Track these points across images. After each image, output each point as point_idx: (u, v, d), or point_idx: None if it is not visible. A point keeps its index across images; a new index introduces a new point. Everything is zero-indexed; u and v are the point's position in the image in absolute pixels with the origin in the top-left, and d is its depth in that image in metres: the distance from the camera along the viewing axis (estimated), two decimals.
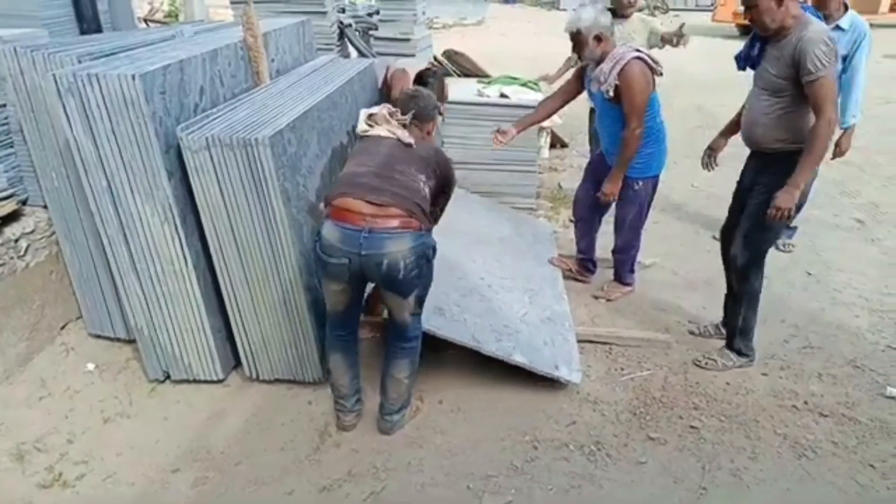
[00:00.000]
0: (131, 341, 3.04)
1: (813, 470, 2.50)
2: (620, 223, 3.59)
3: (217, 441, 2.61)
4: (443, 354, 3.01)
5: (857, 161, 6.12)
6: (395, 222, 2.23)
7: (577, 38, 3.19)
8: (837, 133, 3.79)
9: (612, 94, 3.15)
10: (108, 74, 2.31)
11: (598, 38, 3.15)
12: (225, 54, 2.94)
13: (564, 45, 3.62)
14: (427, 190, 2.42)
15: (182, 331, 2.76)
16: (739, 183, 3.01)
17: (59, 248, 3.06)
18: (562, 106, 3.62)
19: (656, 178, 3.48)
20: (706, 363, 3.09)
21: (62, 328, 3.24)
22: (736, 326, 3.06)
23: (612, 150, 3.40)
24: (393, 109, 2.57)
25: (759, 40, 2.71)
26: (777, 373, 3.06)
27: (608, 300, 3.69)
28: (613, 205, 3.52)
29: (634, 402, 2.85)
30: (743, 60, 2.81)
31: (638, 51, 3.16)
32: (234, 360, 2.93)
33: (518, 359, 2.81)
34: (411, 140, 2.47)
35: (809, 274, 4.01)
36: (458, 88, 4.69)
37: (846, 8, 3.80)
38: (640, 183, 3.42)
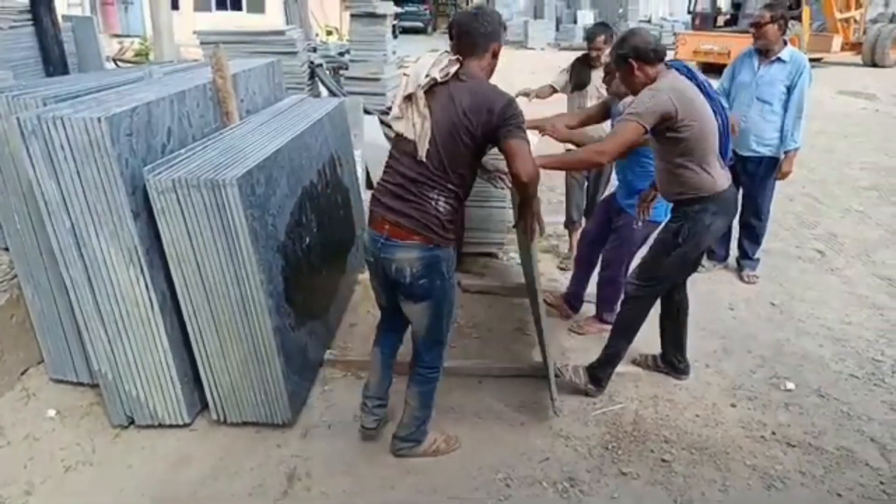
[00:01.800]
0: (95, 385, 2.97)
1: (782, 501, 2.53)
2: (606, 259, 3.63)
3: (183, 488, 2.54)
4: None
5: (815, 193, 6.34)
6: (405, 236, 2.33)
7: (609, 70, 3.42)
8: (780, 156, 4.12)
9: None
10: (73, 117, 2.30)
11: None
12: (193, 95, 2.95)
13: (535, 82, 3.73)
14: (443, 202, 2.31)
15: (147, 375, 2.71)
16: None
17: (21, 291, 2.99)
18: (581, 125, 3.61)
19: (656, 223, 3.44)
20: (562, 369, 3.08)
21: (22, 373, 3.15)
22: (606, 351, 3.09)
23: (624, 192, 3.50)
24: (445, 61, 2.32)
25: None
26: (745, 403, 3.10)
27: (579, 333, 3.72)
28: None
29: (607, 437, 2.85)
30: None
31: None
32: (200, 404, 2.87)
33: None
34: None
35: (773, 304, 4.10)
36: None
37: (785, 43, 4.05)
38: (640, 223, 3.43)
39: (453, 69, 2.27)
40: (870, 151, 8.20)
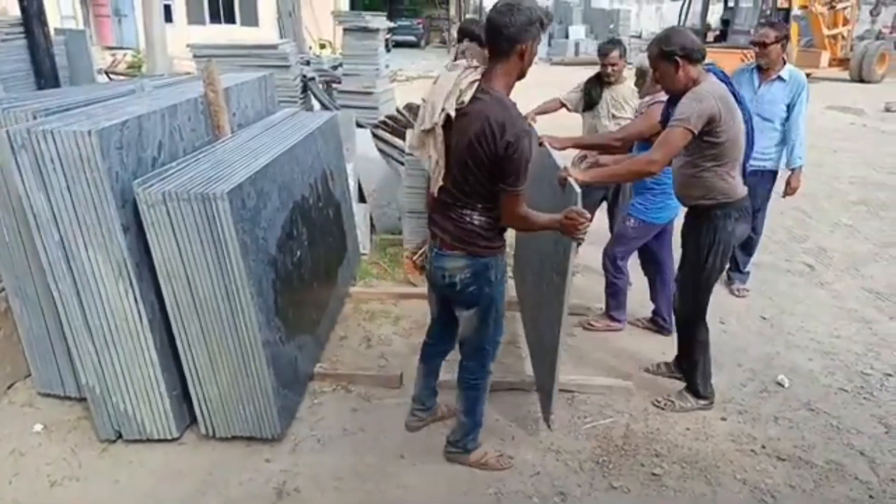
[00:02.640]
0: (82, 399, 2.94)
1: None
2: (604, 258, 3.76)
3: (171, 503, 2.52)
4: (407, 409, 2.99)
5: (805, 207, 6.39)
6: (452, 247, 2.39)
7: (641, 74, 3.56)
8: (786, 173, 4.24)
9: None
10: (62, 130, 2.30)
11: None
12: (185, 109, 2.96)
13: (528, 97, 3.74)
14: (477, 217, 2.31)
15: (135, 388, 2.69)
16: (681, 235, 3.11)
17: (9, 304, 2.97)
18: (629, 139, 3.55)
19: (653, 226, 3.59)
20: (665, 405, 3.13)
21: (9, 387, 3.12)
22: (693, 371, 3.12)
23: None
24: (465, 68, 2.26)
25: (674, 102, 2.81)
26: (735, 417, 3.11)
27: (586, 327, 3.87)
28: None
29: (597, 451, 2.85)
30: (665, 121, 2.89)
31: None
32: (189, 418, 2.85)
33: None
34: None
35: (764, 318, 4.12)
36: None
37: (784, 62, 4.12)
38: (634, 222, 3.57)
39: (469, 94, 2.18)
40: (858, 166, 8.29)
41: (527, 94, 4.19)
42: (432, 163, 2.28)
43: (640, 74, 3.59)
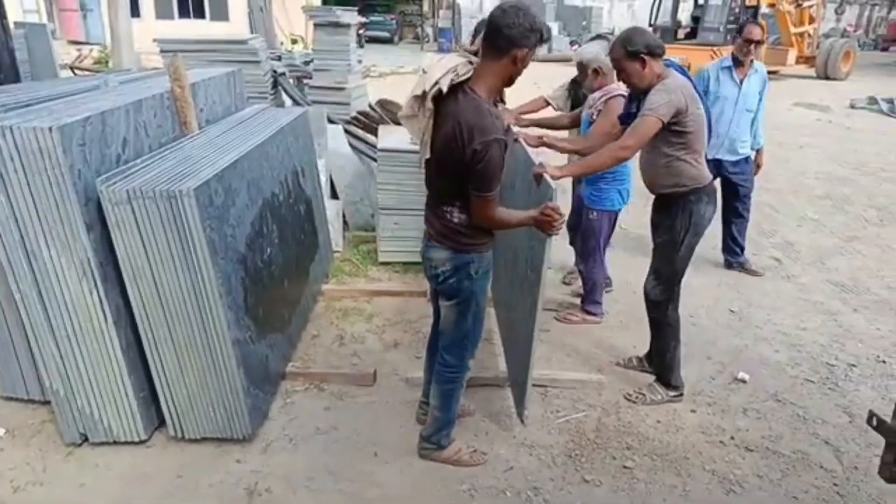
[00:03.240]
0: (46, 402, 2.87)
1: None
2: (583, 254, 3.89)
3: None
4: (380, 406, 2.97)
5: (771, 202, 6.50)
6: (437, 241, 2.44)
7: (581, 68, 3.65)
8: (752, 154, 4.68)
9: (595, 118, 3.49)
10: (22, 126, 2.23)
11: (597, 72, 3.52)
12: (150, 104, 2.90)
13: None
14: (457, 214, 2.34)
15: (101, 390, 2.63)
16: (651, 223, 3.18)
17: None
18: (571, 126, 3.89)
19: (612, 213, 3.73)
20: (636, 398, 3.17)
21: None
22: (663, 360, 3.17)
23: (585, 183, 3.79)
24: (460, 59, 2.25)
25: (637, 98, 2.91)
26: (704, 409, 3.15)
27: (561, 320, 3.92)
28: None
29: (570, 445, 2.87)
30: (625, 117, 2.99)
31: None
32: (157, 419, 2.80)
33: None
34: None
35: (732, 311, 4.19)
36: (391, 136, 4.75)
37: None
38: (594, 213, 3.70)
39: (462, 78, 2.16)
40: (824, 161, 8.46)
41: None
42: (421, 133, 2.28)
43: (581, 69, 3.67)
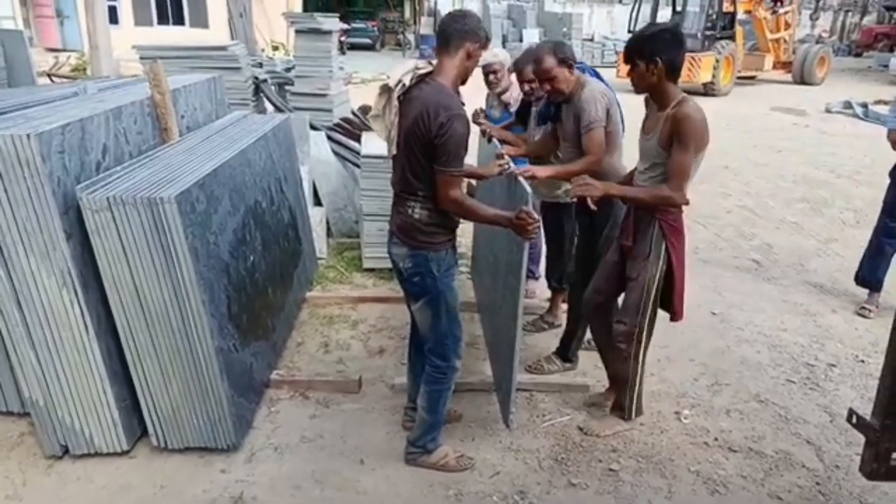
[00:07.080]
0: (26, 414, 2.82)
1: None
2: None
3: None
4: (366, 413, 2.96)
5: (751, 205, 6.59)
6: (396, 234, 2.53)
7: (491, 69, 3.91)
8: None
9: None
10: (0, 134, 2.21)
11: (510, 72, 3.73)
12: (130, 111, 2.88)
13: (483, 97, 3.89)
14: (419, 210, 2.43)
15: (82, 401, 2.59)
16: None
17: None
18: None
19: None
20: (535, 368, 3.45)
21: None
22: (573, 333, 3.41)
23: None
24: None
25: (557, 102, 3.15)
26: (689, 411, 3.18)
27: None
28: None
29: (556, 449, 2.88)
30: (542, 119, 3.34)
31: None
32: (140, 430, 2.77)
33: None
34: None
35: (714, 314, 4.23)
36: (374, 142, 4.74)
37: None
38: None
39: (423, 71, 2.39)
40: (801, 165, 8.59)
41: (481, 96, 4.21)
42: (387, 130, 2.43)
43: (492, 71, 3.90)
